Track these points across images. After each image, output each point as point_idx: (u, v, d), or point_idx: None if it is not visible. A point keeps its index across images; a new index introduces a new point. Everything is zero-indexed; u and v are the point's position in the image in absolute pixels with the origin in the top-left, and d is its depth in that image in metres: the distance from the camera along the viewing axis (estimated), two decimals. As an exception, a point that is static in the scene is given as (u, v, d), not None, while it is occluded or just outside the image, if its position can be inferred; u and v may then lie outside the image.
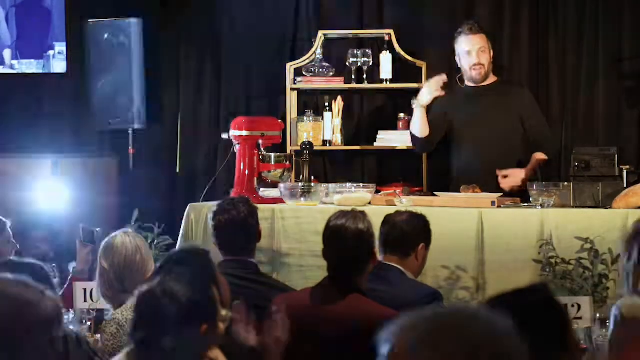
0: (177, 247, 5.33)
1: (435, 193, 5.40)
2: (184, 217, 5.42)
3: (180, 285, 2.70)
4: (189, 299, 2.67)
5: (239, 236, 4.36)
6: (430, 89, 5.61)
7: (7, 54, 6.81)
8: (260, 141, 5.56)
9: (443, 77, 5.59)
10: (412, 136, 5.83)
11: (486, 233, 4.97)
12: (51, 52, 6.75)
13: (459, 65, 5.78)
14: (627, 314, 3.10)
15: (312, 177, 5.52)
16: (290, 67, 6.53)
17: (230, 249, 4.31)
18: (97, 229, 4.93)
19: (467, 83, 5.79)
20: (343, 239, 3.70)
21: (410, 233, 4.19)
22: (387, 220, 4.21)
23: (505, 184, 5.50)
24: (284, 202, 5.31)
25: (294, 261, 5.14)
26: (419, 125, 5.72)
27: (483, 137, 5.69)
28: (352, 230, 3.70)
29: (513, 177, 5.52)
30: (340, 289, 3.67)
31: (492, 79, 5.80)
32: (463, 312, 1.57)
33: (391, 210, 4.51)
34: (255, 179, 5.51)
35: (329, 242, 3.76)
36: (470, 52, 5.69)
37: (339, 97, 6.54)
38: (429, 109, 5.90)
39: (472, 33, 5.71)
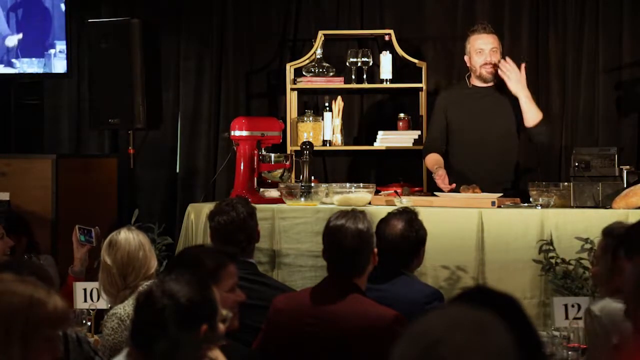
0: (177, 247, 5.34)
1: (435, 193, 5.40)
2: (184, 217, 5.42)
3: (179, 285, 2.69)
4: (189, 299, 2.67)
5: (238, 237, 4.36)
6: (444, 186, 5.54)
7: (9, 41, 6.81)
8: (260, 141, 5.57)
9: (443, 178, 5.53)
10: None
11: (486, 233, 4.97)
12: (52, 51, 6.75)
13: (468, 65, 5.77)
14: (600, 314, 3.19)
15: (312, 177, 5.52)
16: (290, 67, 6.53)
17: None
18: (95, 228, 4.92)
19: (474, 83, 5.78)
20: (343, 239, 3.69)
21: (410, 246, 4.16)
22: (382, 235, 4.07)
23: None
24: (284, 202, 5.31)
25: (294, 261, 5.14)
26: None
27: (481, 137, 5.68)
28: (352, 231, 3.70)
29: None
30: (340, 289, 3.67)
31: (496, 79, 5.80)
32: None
33: (385, 212, 4.36)
34: (255, 179, 5.52)
35: (329, 242, 3.76)
36: (483, 50, 5.69)
37: (339, 97, 6.54)
38: (431, 112, 5.93)
39: (486, 32, 5.72)
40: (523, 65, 5.61)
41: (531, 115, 5.57)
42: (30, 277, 2.61)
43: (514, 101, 5.68)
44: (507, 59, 5.60)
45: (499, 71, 5.60)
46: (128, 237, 3.99)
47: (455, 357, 1.51)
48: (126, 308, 3.79)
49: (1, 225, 5.16)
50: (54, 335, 2.46)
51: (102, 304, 4.23)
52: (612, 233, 3.62)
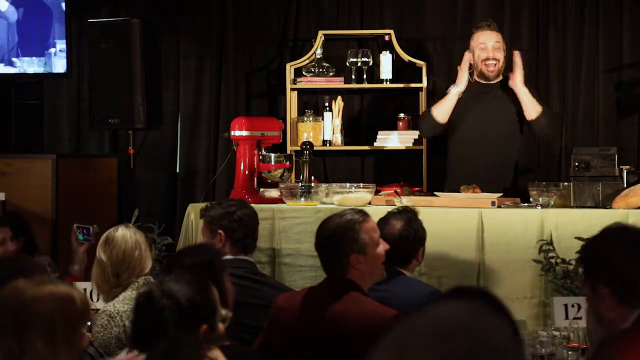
0: (177, 247, 5.34)
1: (435, 193, 5.39)
2: (184, 217, 5.42)
3: (179, 285, 2.69)
4: (188, 299, 2.67)
5: (257, 229, 4.39)
6: (465, 74, 5.61)
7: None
8: (260, 141, 5.57)
9: (467, 57, 5.62)
10: (430, 118, 5.70)
11: (486, 233, 4.97)
12: (52, 50, 6.75)
13: (471, 62, 5.77)
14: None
15: (312, 177, 5.52)
16: (290, 67, 6.53)
17: (250, 243, 4.34)
18: (93, 226, 4.92)
19: (477, 79, 5.78)
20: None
21: (408, 246, 4.15)
22: (381, 235, 4.09)
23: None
24: (284, 202, 5.31)
25: (294, 261, 5.14)
26: (446, 110, 5.66)
27: (482, 135, 5.68)
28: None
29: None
30: (340, 288, 3.66)
31: (499, 77, 5.79)
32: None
33: (385, 211, 4.36)
34: (255, 179, 5.51)
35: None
36: (486, 46, 5.69)
37: (339, 97, 6.54)
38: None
39: (489, 29, 5.73)
40: (519, 53, 5.61)
41: (531, 108, 5.58)
42: (42, 276, 2.63)
43: (516, 99, 5.67)
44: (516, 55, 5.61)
45: (514, 61, 5.59)
46: (125, 234, 3.97)
47: (507, 345, 1.50)
48: (116, 305, 3.79)
49: (8, 227, 5.12)
50: (84, 328, 2.52)
51: (102, 303, 4.23)
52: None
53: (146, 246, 4.03)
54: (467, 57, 5.67)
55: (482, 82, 5.76)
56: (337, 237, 3.65)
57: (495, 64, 5.70)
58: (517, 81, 5.56)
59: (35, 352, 2.39)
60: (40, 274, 2.84)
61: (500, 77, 5.79)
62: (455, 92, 5.64)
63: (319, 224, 3.74)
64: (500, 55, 5.71)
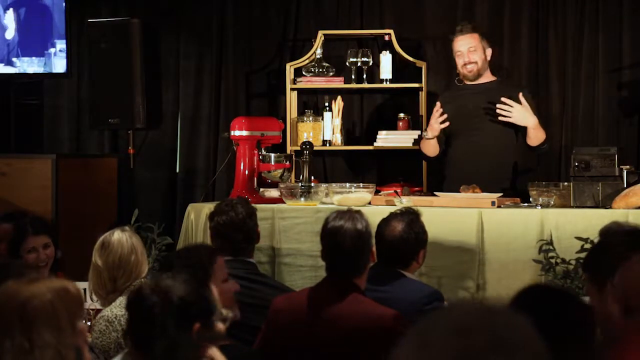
0: (177, 247, 5.34)
1: (435, 193, 5.39)
2: (184, 217, 5.42)
3: (173, 283, 2.69)
4: (180, 297, 2.66)
5: (236, 237, 4.36)
6: (435, 124, 5.60)
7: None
8: (260, 141, 5.57)
9: (438, 109, 5.60)
10: (424, 155, 5.85)
11: (486, 233, 4.97)
12: (52, 50, 6.74)
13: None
14: None
15: (312, 177, 5.52)
16: (290, 67, 6.53)
17: (229, 249, 4.32)
18: None
19: (464, 82, 5.81)
20: (343, 241, 3.69)
21: (409, 248, 4.15)
22: (382, 236, 4.09)
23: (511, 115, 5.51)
24: (284, 202, 5.32)
25: (294, 261, 5.15)
26: (432, 150, 5.75)
27: (482, 135, 5.68)
28: (351, 231, 3.70)
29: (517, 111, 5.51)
30: (340, 289, 3.67)
31: (489, 77, 5.80)
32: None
33: (385, 211, 4.37)
34: (255, 179, 5.52)
35: (328, 244, 3.75)
36: (462, 52, 5.73)
37: (339, 97, 6.54)
38: (431, 114, 5.92)
39: (462, 34, 5.76)
40: (520, 95, 5.56)
41: (534, 138, 5.58)
42: (33, 274, 2.66)
43: (510, 98, 5.66)
44: (503, 99, 5.54)
45: (499, 117, 5.56)
46: (121, 239, 3.96)
47: (525, 341, 1.51)
48: (113, 310, 3.79)
49: (46, 235, 4.92)
50: (83, 314, 2.55)
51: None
52: (609, 233, 3.61)
53: (142, 250, 4.01)
54: (438, 107, 5.65)
55: (470, 83, 5.78)
56: (364, 239, 3.71)
57: (473, 67, 5.72)
58: (524, 120, 5.54)
59: (45, 344, 2.43)
60: (27, 274, 2.87)
61: (493, 78, 5.80)
62: (429, 137, 5.65)
63: (330, 232, 3.74)
64: (477, 57, 5.72)
